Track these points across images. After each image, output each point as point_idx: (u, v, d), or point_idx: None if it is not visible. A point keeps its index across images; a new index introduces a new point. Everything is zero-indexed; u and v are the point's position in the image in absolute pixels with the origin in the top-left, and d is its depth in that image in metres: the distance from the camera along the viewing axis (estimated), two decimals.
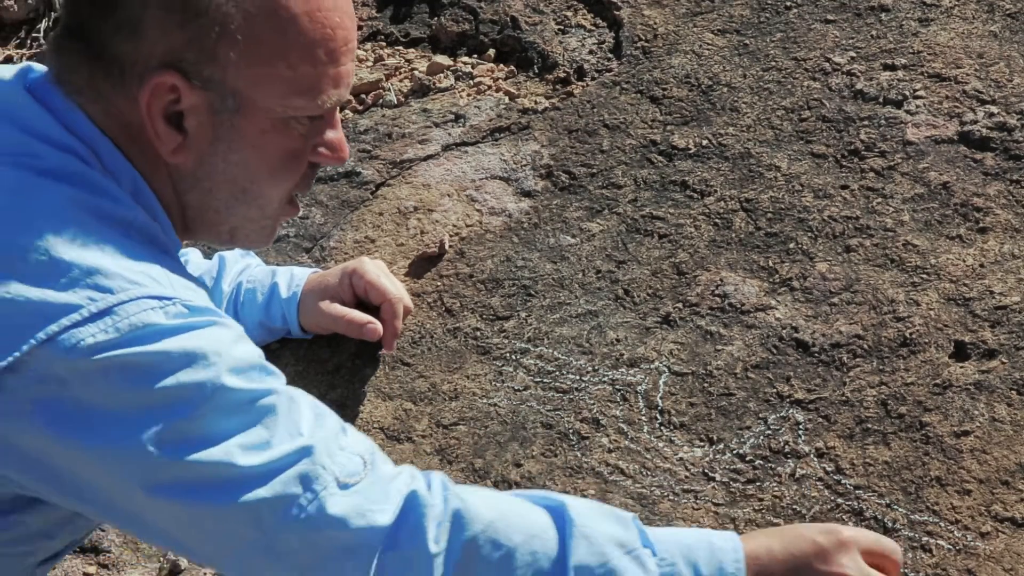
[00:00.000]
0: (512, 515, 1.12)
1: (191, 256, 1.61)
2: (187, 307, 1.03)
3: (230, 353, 1.04)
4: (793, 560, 1.17)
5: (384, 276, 1.60)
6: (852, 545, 1.18)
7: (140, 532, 1.11)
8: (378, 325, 1.55)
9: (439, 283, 1.69)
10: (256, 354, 1.10)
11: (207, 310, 1.06)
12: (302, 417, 1.08)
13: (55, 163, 1.07)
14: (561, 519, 1.13)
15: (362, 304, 1.58)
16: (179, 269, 1.13)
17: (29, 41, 2.66)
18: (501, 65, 2.06)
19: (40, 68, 1.14)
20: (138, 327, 1.00)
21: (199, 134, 1.10)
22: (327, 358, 1.61)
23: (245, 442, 1.03)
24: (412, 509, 1.09)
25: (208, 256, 1.63)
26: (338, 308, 1.56)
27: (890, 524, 1.35)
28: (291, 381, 1.58)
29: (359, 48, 2.15)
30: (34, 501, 1.09)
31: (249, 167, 1.14)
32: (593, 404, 1.51)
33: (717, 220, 1.71)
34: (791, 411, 1.47)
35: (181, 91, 1.07)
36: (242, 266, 1.61)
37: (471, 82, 2.01)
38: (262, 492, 1.03)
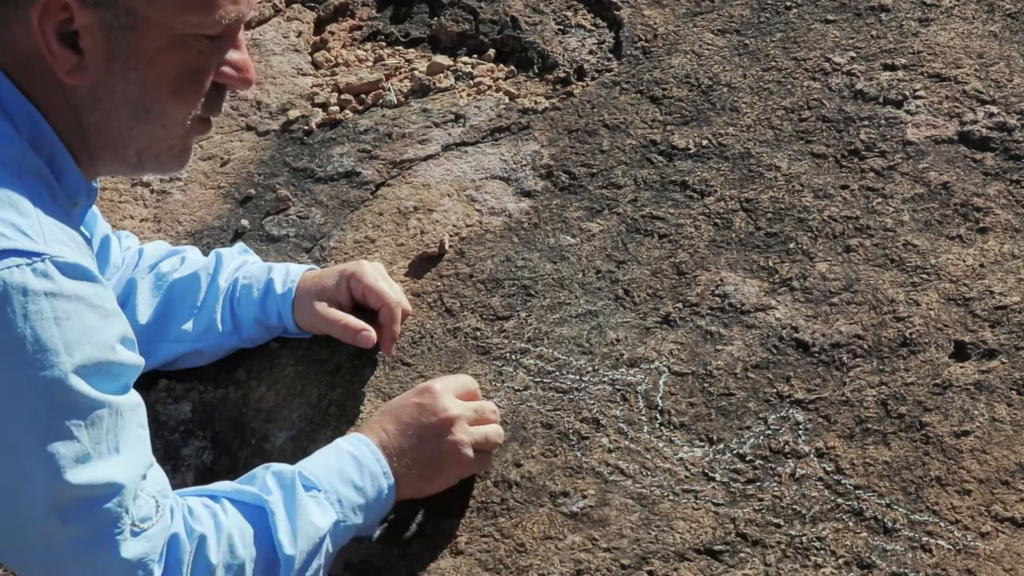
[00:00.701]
0: (235, 535, 1.20)
1: (189, 253, 1.60)
2: (57, 264, 1.03)
3: (80, 349, 1.04)
4: (407, 426, 1.34)
5: (382, 280, 1.58)
6: (445, 391, 1.37)
7: None
8: (372, 333, 1.52)
9: (439, 283, 1.69)
10: (115, 336, 1.10)
11: (78, 267, 1.05)
12: (125, 442, 1.09)
13: None
14: (263, 517, 1.22)
15: (359, 308, 1.57)
16: (62, 217, 1.11)
17: None
18: (501, 65, 2.06)
19: None
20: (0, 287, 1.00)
21: (94, 53, 1.10)
22: (327, 358, 1.61)
23: (68, 453, 1.04)
24: (173, 555, 1.14)
25: (206, 254, 1.63)
26: (334, 312, 1.54)
27: (890, 524, 1.35)
28: (291, 381, 1.59)
29: (359, 48, 2.15)
30: None
31: (148, 85, 1.13)
32: (593, 404, 1.51)
33: (717, 220, 1.71)
34: (791, 411, 1.47)
35: (73, 9, 1.07)
36: (239, 262, 1.61)
37: (471, 82, 2.01)
38: (63, 515, 1.06)
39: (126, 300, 1.54)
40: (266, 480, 1.26)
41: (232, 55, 1.17)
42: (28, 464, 1.04)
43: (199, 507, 1.21)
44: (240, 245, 1.67)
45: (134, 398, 1.14)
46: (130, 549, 1.09)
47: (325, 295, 1.55)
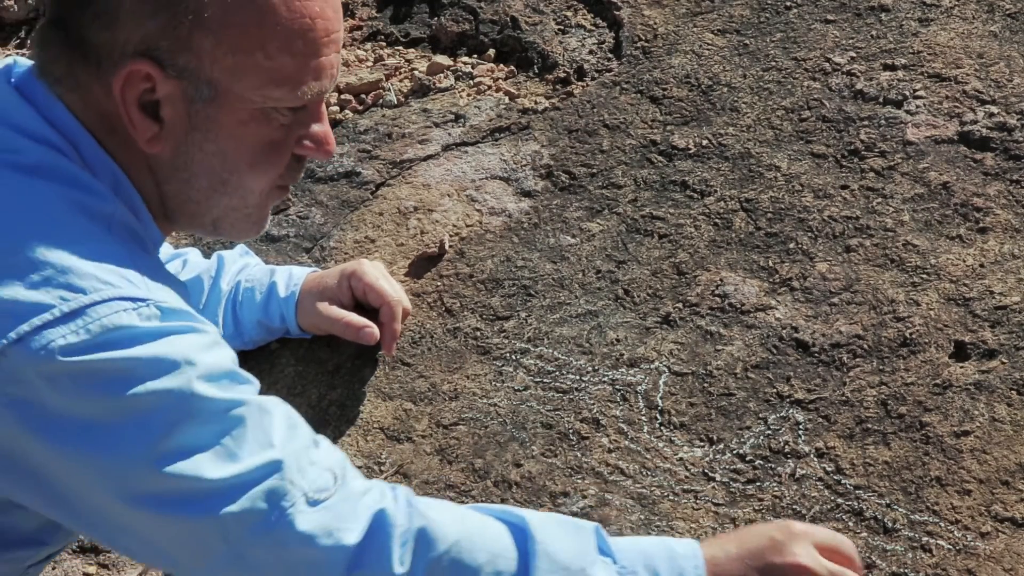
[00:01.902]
0: (476, 534, 1.12)
1: (190, 256, 1.60)
2: (160, 309, 1.02)
3: (202, 360, 1.03)
4: (749, 555, 1.19)
5: (383, 278, 1.58)
6: (805, 537, 1.20)
7: (113, 540, 1.09)
8: (375, 329, 1.54)
9: (439, 283, 1.69)
10: (230, 359, 1.08)
11: (182, 312, 1.05)
12: (274, 428, 1.06)
13: (35, 158, 1.07)
14: (522, 536, 1.14)
15: (360, 307, 1.58)
16: (157, 267, 1.12)
17: (29, 41, 2.66)
18: (501, 65, 2.06)
19: (25, 62, 1.14)
20: (109, 329, 0.99)
21: (175, 123, 1.09)
22: (327, 358, 1.61)
23: (215, 454, 1.02)
24: (379, 529, 1.08)
25: (207, 255, 1.63)
26: (336, 311, 1.55)
27: (890, 524, 1.35)
28: (291, 381, 1.59)
29: (359, 48, 2.15)
30: (22, 506, 1.08)
31: (228, 157, 1.12)
32: (593, 404, 1.51)
33: (717, 220, 1.71)
34: (791, 411, 1.47)
35: (155, 80, 1.06)
36: (241, 265, 1.61)
37: (471, 82, 2.01)
38: (231, 507, 1.02)
39: None
40: (548, 514, 1.18)
41: (314, 127, 1.16)
42: (182, 480, 1.01)
43: (436, 502, 1.15)
44: (241, 247, 1.67)
45: (275, 398, 1.11)
46: (308, 521, 1.04)
47: (327, 295, 1.56)
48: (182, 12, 1.04)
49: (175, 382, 1.00)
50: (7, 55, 2.59)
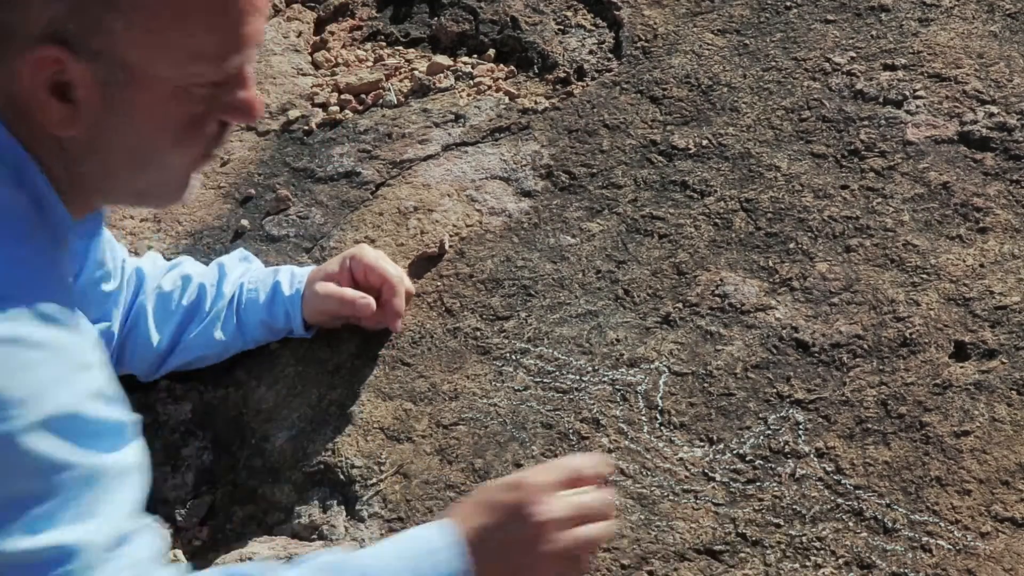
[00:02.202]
0: None
1: (186, 265, 1.60)
2: (27, 308, 0.95)
3: (44, 402, 0.94)
4: (490, 531, 1.14)
5: (383, 259, 1.59)
6: (541, 490, 1.15)
7: None
8: (371, 300, 1.54)
9: (439, 283, 1.69)
10: (89, 390, 0.99)
11: (47, 315, 0.97)
12: (102, 507, 0.97)
13: None
14: None
15: (362, 290, 1.58)
16: (42, 258, 1.04)
17: None
18: (501, 65, 2.06)
19: None
20: None
21: (89, 106, 1.02)
22: (327, 358, 1.61)
23: (20, 518, 0.93)
24: None
25: (204, 256, 1.63)
26: (333, 287, 1.55)
27: (890, 524, 1.35)
28: (291, 381, 1.59)
29: (359, 48, 2.15)
30: None
31: (147, 137, 1.06)
32: (593, 404, 1.51)
33: (717, 220, 1.71)
34: (791, 411, 1.47)
35: (65, 64, 0.99)
36: (243, 270, 1.61)
37: (471, 82, 2.01)
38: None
39: (136, 325, 1.55)
40: (302, 569, 1.11)
41: (239, 94, 1.09)
42: None
43: None
44: (240, 251, 1.67)
45: (127, 459, 1.02)
46: None
47: (327, 278, 1.57)
48: None
49: (5, 427, 0.92)
50: None
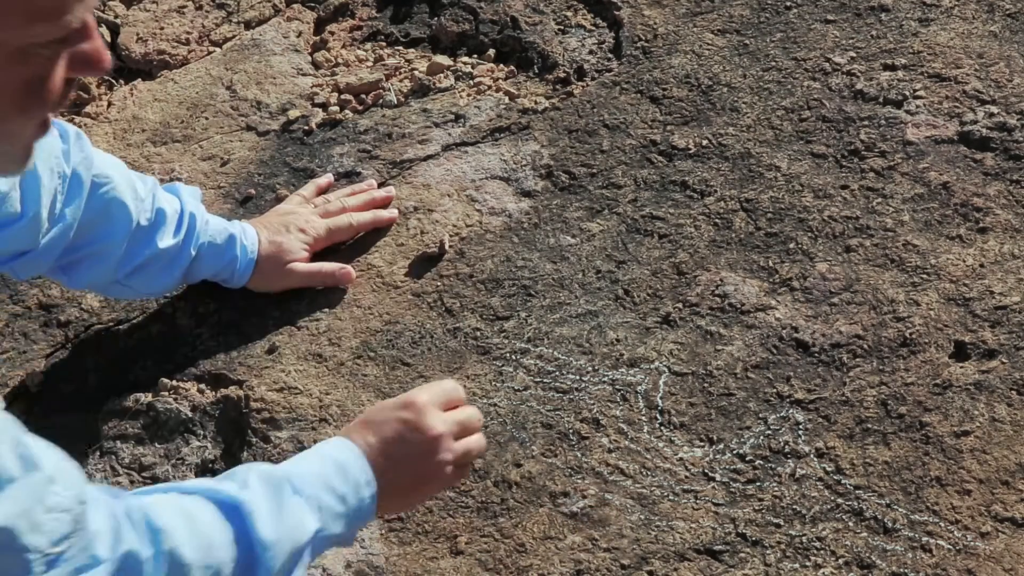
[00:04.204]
0: (209, 536, 1.12)
1: (161, 199, 1.60)
2: None
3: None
4: (392, 442, 1.27)
5: (319, 224, 1.72)
6: (430, 405, 1.29)
7: None
8: (349, 268, 1.70)
9: (439, 283, 1.69)
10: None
11: None
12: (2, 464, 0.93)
13: None
14: (242, 523, 1.14)
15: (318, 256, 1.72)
16: None
17: None
18: (501, 65, 2.06)
19: None
20: None
21: None
22: (327, 358, 1.61)
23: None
24: (129, 571, 1.03)
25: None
26: (312, 267, 1.69)
27: (890, 524, 1.35)
28: (291, 381, 1.59)
29: (359, 48, 2.15)
30: None
31: None
32: (593, 404, 1.51)
33: (717, 220, 1.71)
34: (791, 411, 1.47)
35: None
36: (203, 221, 1.64)
37: (471, 82, 2.01)
38: None
39: (102, 255, 1.55)
40: (248, 479, 1.19)
41: (83, 46, 1.00)
42: None
43: (167, 507, 1.11)
44: (188, 189, 1.68)
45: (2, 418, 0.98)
46: None
47: (295, 258, 1.68)
48: None
49: None
50: None
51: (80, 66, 1.00)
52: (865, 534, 1.34)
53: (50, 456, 0.99)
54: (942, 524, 1.34)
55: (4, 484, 0.92)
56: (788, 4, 2.01)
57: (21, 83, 0.97)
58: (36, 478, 0.95)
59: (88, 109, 2.08)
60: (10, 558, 0.92)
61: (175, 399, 1.60)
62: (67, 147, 1.48)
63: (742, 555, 1.34)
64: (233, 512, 1.15)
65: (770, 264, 1.64)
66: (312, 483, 1.21)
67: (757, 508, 1.38)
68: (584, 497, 1.41)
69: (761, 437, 1.45)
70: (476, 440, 1.33)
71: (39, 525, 0.94)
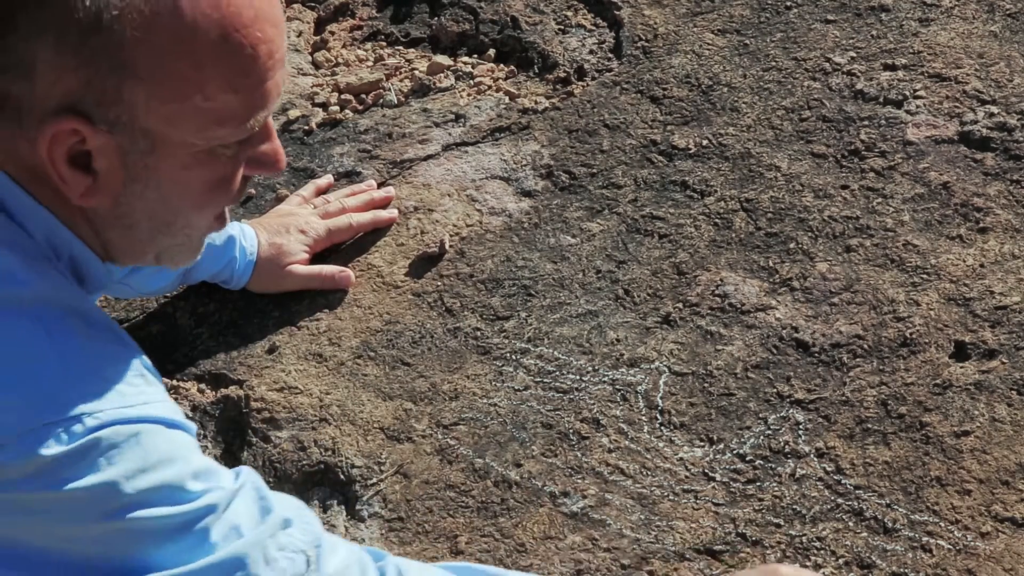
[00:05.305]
0: None
1: None
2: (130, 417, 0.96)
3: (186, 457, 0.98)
4: None
5: (321, 225, 1.72)
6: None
7: None
8: (348, 272, 1.69)
9: (439, 283, 1.69)
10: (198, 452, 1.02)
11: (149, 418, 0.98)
12: (240, 514, 1.00)
13: None
14: None
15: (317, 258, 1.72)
16: (117, 346, 1.03)
17: None
18: (501, 65, 2.06)
19: None
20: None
21: (110, 176, 0.99)
22: (327, 358, 1.61)
23: (178, 546, 0.96)
24: None
25: None
26: (312, 270, 1.69)
27: (890, 524, 1.35)
28: (291, 381, 1.59)
29: (359, 48, 2.15)
30: None
31: (171, 203, 1.03)
32: (593, 404, 1.51)
33: (717, 220, 1.71)
34: (791, 411, 1.47)
35: (85, 135, 0.96)
36: None
37: (471, 82, 2.01)
38: None
39: None
40: None
41: (263, 147, 1.05)
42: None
43: (412, 567, 1.11)
44: None
45: (246, 471, 1.04)
46: None
47: (295, 261, 1.68)
48: (108, 64, 0.93)
49: (162, 476, 0.96)
50: None
51: (258, 165, 1.06)
52: (865, 534, 1.34)
53: (287, 503, 1.06)
54: (942, 524, 1.34)
55: (243, 523, 0.99)
56: (788, 4, 2.01)
57: (202, 183, 1.03)
58: (272, 519, 1.01)
59: None
60: None
61: (175, 399, 1.60)
62: None
63: (742, 555, 1.34)
64: None
65: (770, 264, 1.64)
66: None
67: (757, 508, 1.38)
68: (584, 497, 1.41)
69: (761, 437, 1.45)
70: None
71: (273, 560, 1.00)
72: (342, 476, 1.48)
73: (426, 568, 1.14)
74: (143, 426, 0.96)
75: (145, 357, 1.04)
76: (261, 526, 1.01)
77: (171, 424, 1.00)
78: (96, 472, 0.93)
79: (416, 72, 2.05)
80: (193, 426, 1.04)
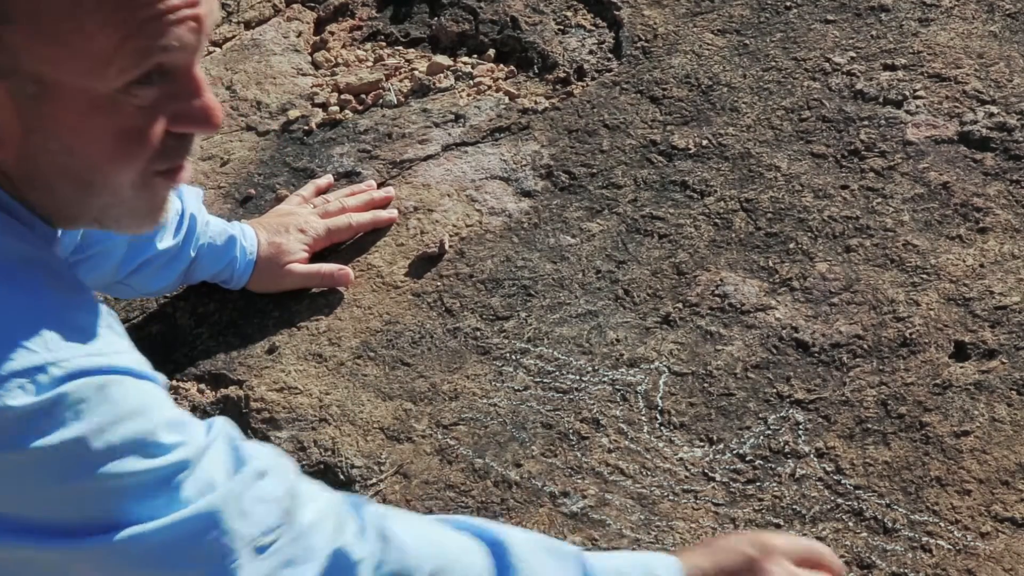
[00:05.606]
0: (454, 563, 1.07)
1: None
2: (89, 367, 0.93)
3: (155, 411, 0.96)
4: (721, 572, 1.19)
5: (321, 224, 1.72)
6: (780, 552, 1.20)
7: None
8: (347, 269, 1.69)
9: (439, 283, 1.69)
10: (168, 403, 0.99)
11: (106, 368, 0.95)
12: (214, 466, 0.98)
13: None
14: (501, 561, 1.09)
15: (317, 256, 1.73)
16: (75, 300, 1.00)
17: None
18: (501, 65, 2.06)
19: None
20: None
21: (7, 127, 0.94)
22: (327, 358, 1.61)
23: (153, 506, 0.94)
24: (338, 570, 1.01)
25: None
26: (311, 268, 1.69)
27: (890, 524, 1.35)
28: (291, 381, 1.59)
29: (359, 48, 2.15)
30: None
31: (79, 157, 0.97)
32: (593, 404, 1.51)
33: (717, 220, 1.71)
34: (791, 411, 1.47)
35: None
36: (203, 223, 1.64)
37: (471, 82, 2.01)
38: (167, 570, 0.94)
39: (106, 253, 1.55)
40: (529, 533, 1.14)
41: (193, 102, 0.98)
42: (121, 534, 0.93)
43: (413, 524, 1.08)
44: (191, 190, 1.66)
45: (220, 421, 1.02)
46: (254, 573, 0.96)
47: (293, 259, 1.68)
48: None
49: (133, 427, 0.93)
50: None
51: (186, 121, 0.99)
52: (865, 534, 1.34)
53: (262, 452, 1.03)
54: (942, 524, 1.34)
55: (217, 476, 0.96)
56: (788, 4, 2.01)
57: (109, 134, 0.97)
58: (246, 471, 0.99)
59: None
60: (212, 542, 0.94)
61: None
62: None
63: None
64: (497, 549, 1.10)
65: (770, 264, 1.64)
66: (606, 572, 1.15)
67: (757, 508, 1.38)
68: (584, 497, 1.41)
69: (761, 437, 1.45)
70: None
71: (247, 513, 0.97)
72: (342, 476, 1.48)
73: (410, 517, 1.11)
74: (111, 377, 0.93)
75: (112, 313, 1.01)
76: (235, 478, 0.98)
77: (140, 375, 0.96)
78: (63, 428, 0.90)
79: (416, 72, 2.05)
80: (163, 378, 1.00)
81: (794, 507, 1.38)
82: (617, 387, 1.53)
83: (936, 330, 1.53)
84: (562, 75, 1.99)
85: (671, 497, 1.41)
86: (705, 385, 1.51)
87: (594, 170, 1.81)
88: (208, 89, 1.00)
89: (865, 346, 1.52)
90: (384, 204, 1.80)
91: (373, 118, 1.97)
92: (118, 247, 1.55)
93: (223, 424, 1.03)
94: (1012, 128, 1.74)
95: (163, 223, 1.07)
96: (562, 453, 1.46)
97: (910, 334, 1.53)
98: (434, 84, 2.01)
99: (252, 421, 1.55)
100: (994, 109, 1.77)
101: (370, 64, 2.11)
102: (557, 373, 1.55)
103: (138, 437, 0.93)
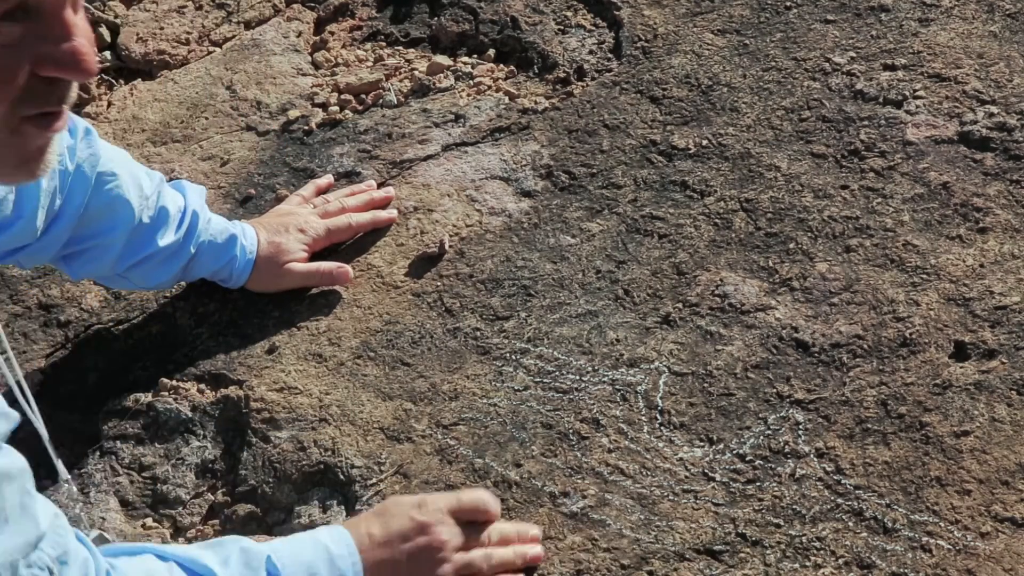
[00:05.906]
0: None
1: (165, 196, 1.59)
2: None
3: None
4: (396, 537, 1.28)
5: (319, 224, 1.72)
6: (442, 510, 1.31)
7: None
8: (347, 267, 1.69)
9: (439, 283, 1.69)
10: None
11: None
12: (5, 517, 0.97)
13: None
14: None
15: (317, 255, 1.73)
16: None
17: None
18: (501, 65, 2.06)
19: None
20: None
21: None
22: (327, 358, 1.61)
23: None
24: None
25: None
26: (311, 267, 1.69)
27: (890, 524, 1.35)
28: (291, 381, 1.59)
29: (359, 48, 2.15)
30: None
31: None
32: (593, 404, 1.51)
33: (717, 220, 1.71)
34: (791, 411, 1.47)
35: None
36: (205, 221, 1.64)
37: (471, 82, 2.01)
38: None
39: (104, 249, 1.56)
40: (230, 554, 1.20)
41: (61, 46, 0.94)
42: None
43: (134, 570, 1.13)
44: (194, 187, 1.66)
45: (10, 463, 0.99)
46: None
47: (293, 259, 1.68)
48: None
49: None
50: None
51: (54, 65, 0.95)
52: (865, 534, 1.34)
53: (46, 511, 1.03)
54: (942, 524, 1.34)
55: (1, 526, 0.96)
56: (788, 4, 2.01)
57: None
58: (30, 531, 0.98)
59: (88, 109, 2.09)
60: None
61: (175, 399, 1.60)
62: (74, 143, 1.49)
63: (742, 555, 1.34)
64: None
65: (770, 264, 1.64)
66: (295, 569, 1.22)
67: (757, 508, 1.38)
68: (584, 497, 1.41)
69: (761, 437, 1.45)
70: (482, 555, 1.32)
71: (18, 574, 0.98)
72: (342, 476, 1.48)
73: (146, 561, 1.16)
74: None
75: None
76: (17, 534, 0.98)
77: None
78: None
79: (416, 72, 2.05)
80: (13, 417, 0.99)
81: (794, 507, 1.38)
82: (617, 387, 1.53)
83: (936, 330, 1.53)
84: (562, 75, 1.99)
85: (671, 497, 1.41)
86: (705, 385, 1.51)
87: (594, 170, 1.81)
88: (81, 34, 0.96)
89: (865, 346, 1.52)
90: (384, 204, 1.79)
91: (373, 118, 1.97)
92: (116, 241, 1.55)
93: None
94: (1012, 128, 1.74)
95: (41, 176, 1.02)
96: (562, 453, 1.46)
97: (910, 334, 1.53)
98: (434, 84, 2.01)
99: (252, 421, 1.55)
100: (994, 109, 1.77)
101: (370, 64, 2.11)
102: (557, 373, 1.55)
103: None
